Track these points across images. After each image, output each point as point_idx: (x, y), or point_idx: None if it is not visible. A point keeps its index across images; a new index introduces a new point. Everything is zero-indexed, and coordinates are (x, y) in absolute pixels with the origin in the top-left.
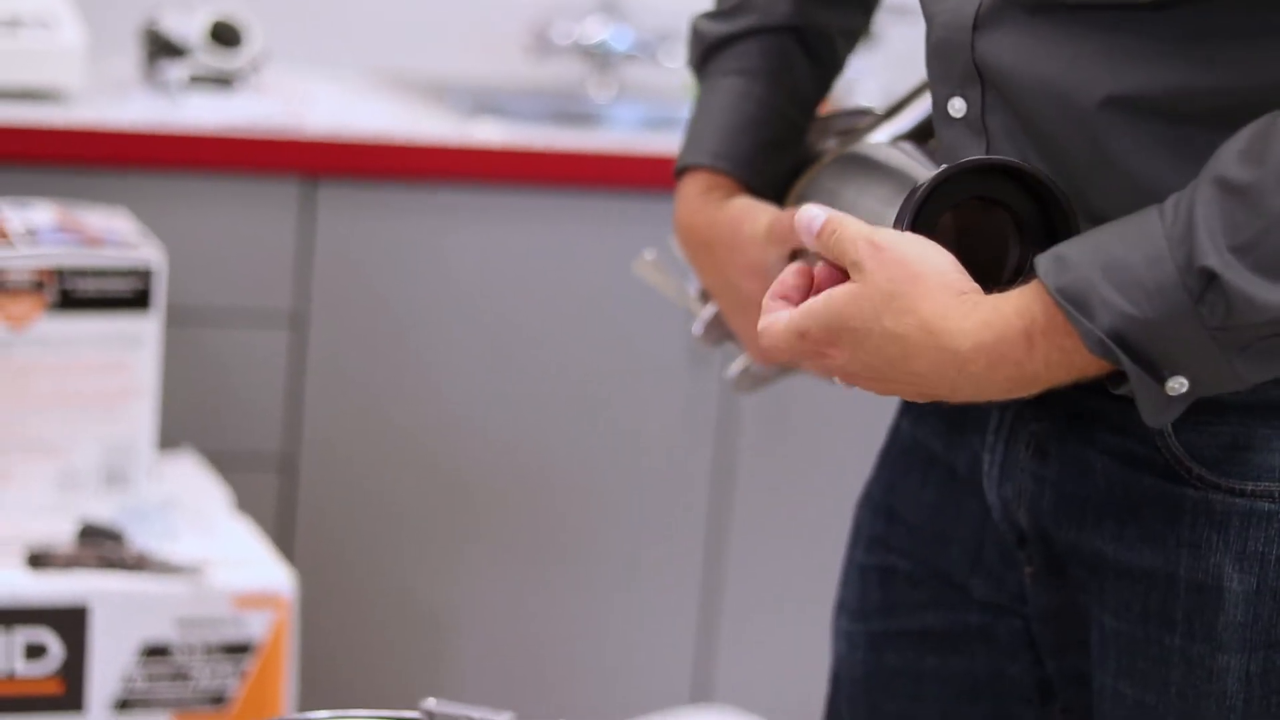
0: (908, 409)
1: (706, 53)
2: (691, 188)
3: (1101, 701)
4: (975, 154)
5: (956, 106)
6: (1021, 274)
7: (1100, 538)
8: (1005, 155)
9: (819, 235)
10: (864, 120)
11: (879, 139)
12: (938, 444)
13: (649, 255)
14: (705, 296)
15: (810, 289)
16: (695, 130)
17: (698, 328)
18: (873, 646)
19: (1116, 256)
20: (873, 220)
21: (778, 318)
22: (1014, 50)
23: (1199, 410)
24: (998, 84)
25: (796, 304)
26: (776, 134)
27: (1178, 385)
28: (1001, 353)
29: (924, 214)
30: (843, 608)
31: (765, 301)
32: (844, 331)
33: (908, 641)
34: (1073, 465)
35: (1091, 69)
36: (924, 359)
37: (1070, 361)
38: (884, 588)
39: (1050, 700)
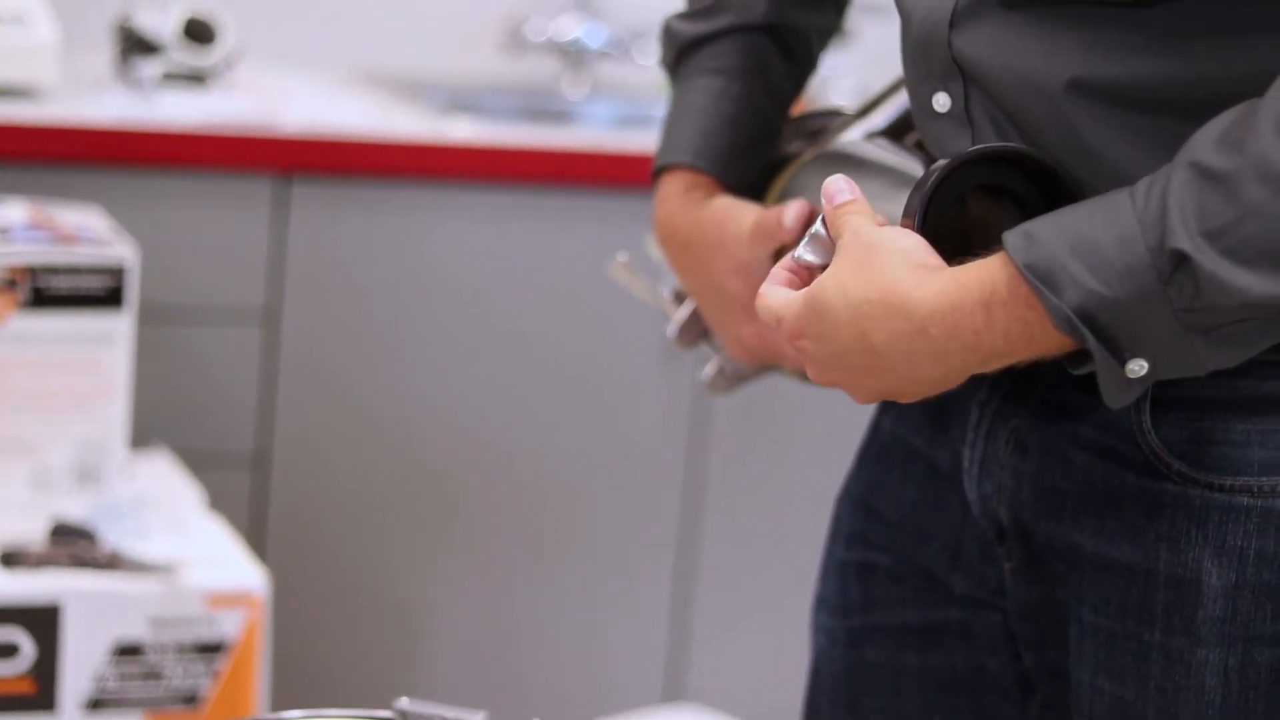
0: (888, 405)
1: (681, 52)
2: (671, 187)
3: (1080, 696)
4: (964, 147)
5: (940, 102)
6: None
7: (1079, 532)
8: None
9: (837, 206)
10: (836, 120)
11: (853, 137)
12: (919, 441)
13: (622, 258)
14: (680, 298)
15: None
16: (673, 130)
17: (672, 329)
18: (852, 642)
19: (1086, 235)
20: None
21: (765, 294)
22: (991, 45)
23: (1179, 406)
24: (978, 78)
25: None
26: (754, 133)
27: (1138, 367)
28: (958, 321)
29: (934, 204)
30: (822, 603)
31: (774, 270)
32: (814, 314)
33: (887, 637)
34: (1052, 460)
35: (1063, 57)
36: (882, 330)
37: (1030, 334)
38: (864, 584)
39: (1029, 695)
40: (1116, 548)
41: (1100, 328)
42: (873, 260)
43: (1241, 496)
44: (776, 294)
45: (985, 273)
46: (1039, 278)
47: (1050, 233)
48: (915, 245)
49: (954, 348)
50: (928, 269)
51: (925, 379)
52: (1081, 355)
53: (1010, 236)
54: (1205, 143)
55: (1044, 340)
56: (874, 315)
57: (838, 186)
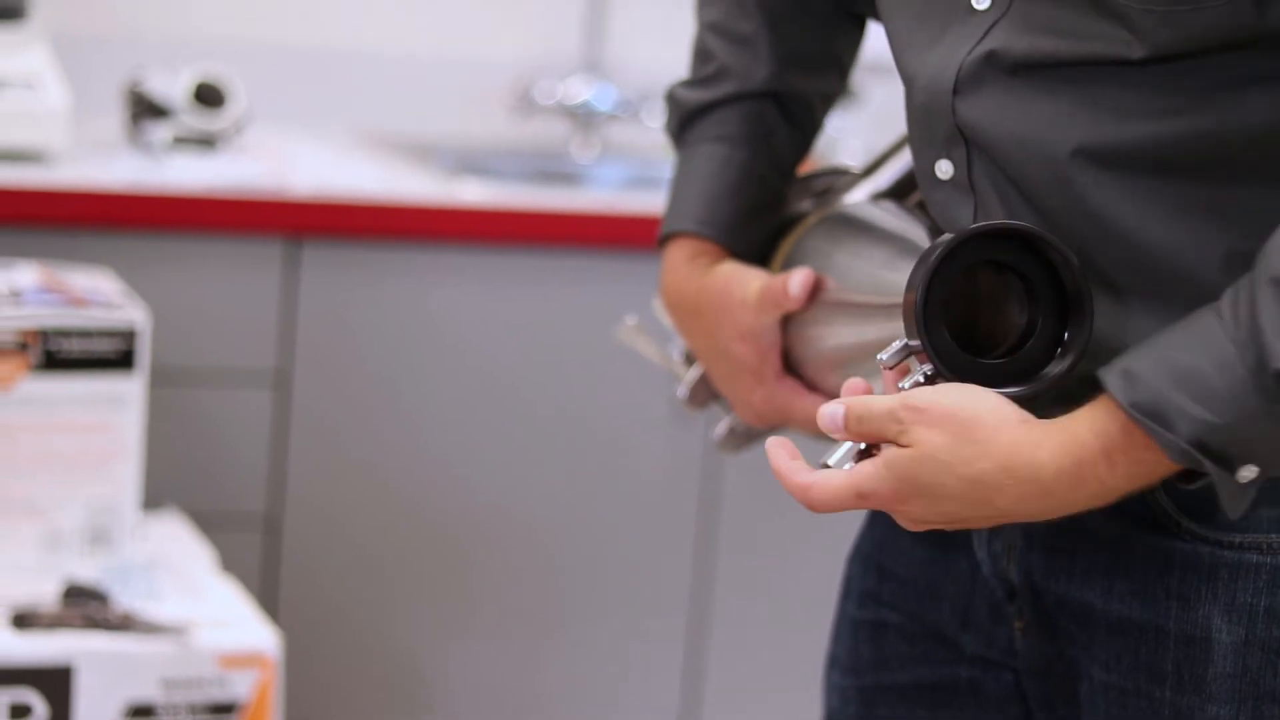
0: None
1: (685, 120)
2: (677, 255)
3: None
4: (966, 215)
5: (943, 169)
6: (1030, 338)
7: (1089, 591)
8: (995, 214)
9: (847, 426)
10: (842, 179)
11: (858, 197)
12: None
13: (631, 321)
14: (690, 360)
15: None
16: (678, 197)
17: (683, 391)
18: (864, 701)
19: (1186, 366)
20: (872, 284)
21: (830, 475)
22: (994, 110)
23: None
24: (981, 144)
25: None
26: (759, 199)
27: (1248, 473)
28: (1083, 474)
29: (938, 279)
30: (834, 662)
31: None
32: (916, 489)
33: (898, 695)
34: (1061, 519)
35: (1066, 123)
36: (1007, 495)
37: (1150, 472)
38: (875, 642)
39: None
40: (1127, 606)
41: (1214, 451)
42: (972, 429)
43: (1251, 554)
44: (836, 477)
45: (1098, 423)
46: (1149, 416)
47: (1149, 368)
48: (995, 401)
49: (1079, 498)
50: (1033, 425)
51: (1046, 518)
52: (1193, 473)
53: (1110, 378)
54: (1277, 255)
55: (1161, 472)
56: (996, 483)
57: (830, 412)
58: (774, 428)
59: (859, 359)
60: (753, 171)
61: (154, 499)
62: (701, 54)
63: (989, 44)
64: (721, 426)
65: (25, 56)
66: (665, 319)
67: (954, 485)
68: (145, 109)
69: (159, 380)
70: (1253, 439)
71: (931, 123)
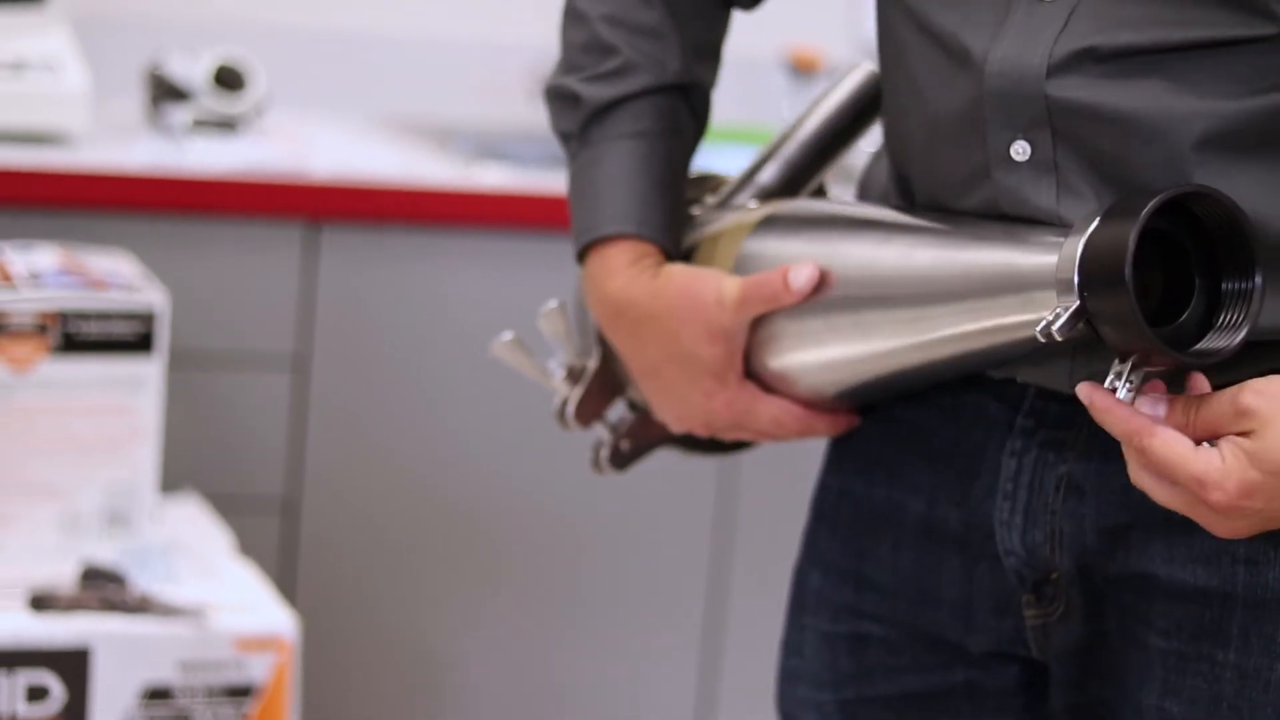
0: (851, 469)
1: (592, 116)
2: (619, 259)
3: None
4: (1046, 195)
5: (1020, 150)
6: (1191, 296)
7: (1150, 562)
8: (1082, 193)
9: (1172, 410)
10: (725, 183)
11: (744, 198)
12: (917, 503)
13: (507, 336)
14: (574, 376)
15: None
16: (601, 199)
17: (570, 409)
18: (846, 714)
19: None
20: (910, 273)
21: (1177, 438)
22: (1094, 92)
23: None
24: (1072, 125)
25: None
26: (680, 196)
27: None
28: None
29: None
30: (797, 676)
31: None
32: (1270, 480)
33: (884, 706)
34: (1112, 497)
35: (1179, 104)
36: None
37: None
38: (856, 655)
39: None
40: (1190, 573)
41: None
42: None
43: None
44: (1182, 446)
45: None
46: None
47: None
48: None
49: None
50: None
51: None
52: None
53: None
54: None
55: None
56: None
57: (1150, 406)
58: (662, 439)
59: (885, 351)
60: (672, 168)
61: (172, 482)
62: (598, 47)
63: (1083, 37)
64: (605, 450)
65: (46, 39)
66: (550, 331)
67: None
68: (165, 92)
69: (177, 363)
70: None
71: (1011, 106)
